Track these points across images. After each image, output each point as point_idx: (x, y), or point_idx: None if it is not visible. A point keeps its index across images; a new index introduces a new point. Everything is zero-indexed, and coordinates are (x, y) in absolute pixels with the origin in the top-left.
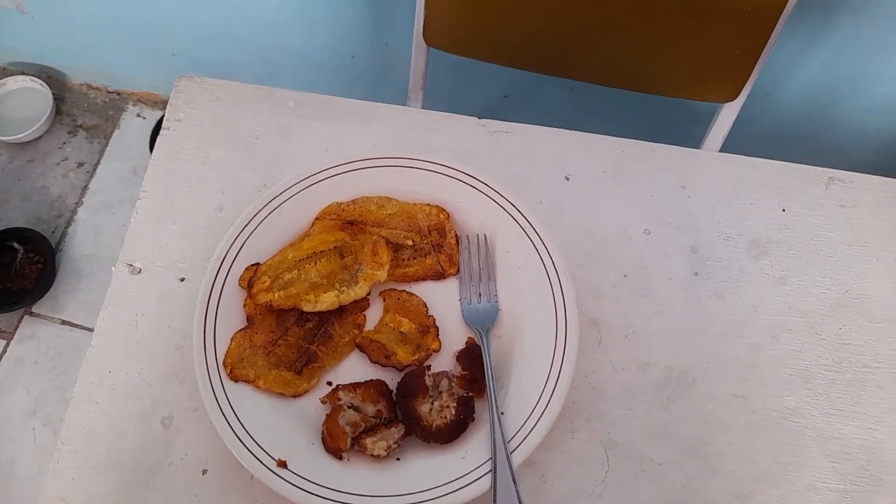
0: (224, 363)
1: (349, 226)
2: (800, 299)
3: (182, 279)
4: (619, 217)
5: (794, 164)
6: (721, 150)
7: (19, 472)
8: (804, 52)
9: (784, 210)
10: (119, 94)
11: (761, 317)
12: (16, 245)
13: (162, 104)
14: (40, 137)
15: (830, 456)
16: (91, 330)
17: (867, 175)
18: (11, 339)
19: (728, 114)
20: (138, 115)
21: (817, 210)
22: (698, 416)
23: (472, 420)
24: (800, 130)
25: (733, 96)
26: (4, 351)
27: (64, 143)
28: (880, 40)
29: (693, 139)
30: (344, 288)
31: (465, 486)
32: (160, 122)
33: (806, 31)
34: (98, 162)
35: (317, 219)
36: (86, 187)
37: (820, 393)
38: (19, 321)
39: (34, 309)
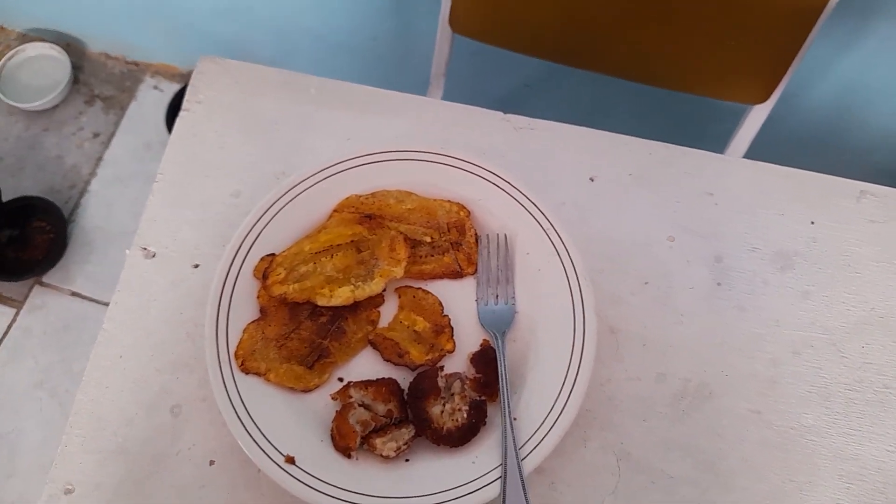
0: (236, 355)
1: (367, 220)
2: (823, 315)
3: (196, 266)
4: (643, 222)
5: (825, 176)
6: (747, 152)
7: (24, 443)
8: (838, 54)
9: (813, 223)
10: (137, 64)
11: (783, 331)
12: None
13: (179, 77)
14: (57, 106)
15: (846, 477)
16: (99, 303)
17: None
18: (21, 307)
19: (757, 116)
20: (155, 88)
21: (847, 224)
22: (713, 431)
23: (484, 424)
24: (827, 134)
25: (764, 98)
26: (14, 320)
27: (80, 113)
28: None
29: (717, 138)
30: (359, 283)
31: (474, 491)
32: (177, 95)
33: (841, 34)
34: (113, 133)
35: (335, 211)
36: (100, 158)
37: (838, 412)
38: (29, 290)
39: (45, 279)
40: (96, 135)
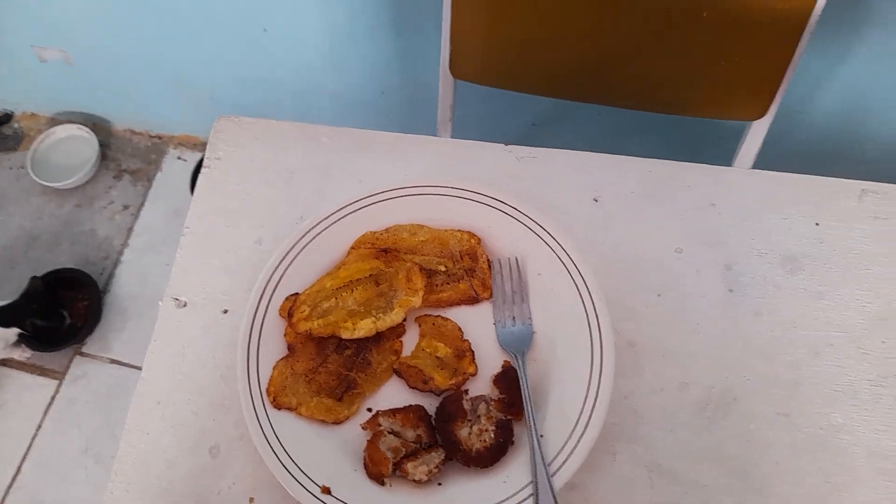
0: (267, 391)
1: (383, 254)
2: (840, 314)
3: (225, 311)
4: (650, 237)
5: (824, 178)
6: (753, 168)
7: None
8: (833, 66)
9: (817, 224)
10: (160, 137)
11: (801, 333)
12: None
13: (201, 146)
14: (87, 182)
15: (885, 474)
16: (138, 368)
17: None
18: (63, 379)
19: (757, 131)
20: (179, 158)
21: (851, 223)
22: (742, 437)
23: (512, 443)
24: (833, 146)
25: (761, 113)
26: (57, 391)
27: (110, 188)
28: None
29: (724, 158)
30: (380, 314)
31: None
32: (200, 163)
33: (834, 47)
34: (142, 204)
35: (352, 248)
36: (131, 229)
37: (867, 409)
38: (70, 361)
39: (84, 349)
40: (126, 207)
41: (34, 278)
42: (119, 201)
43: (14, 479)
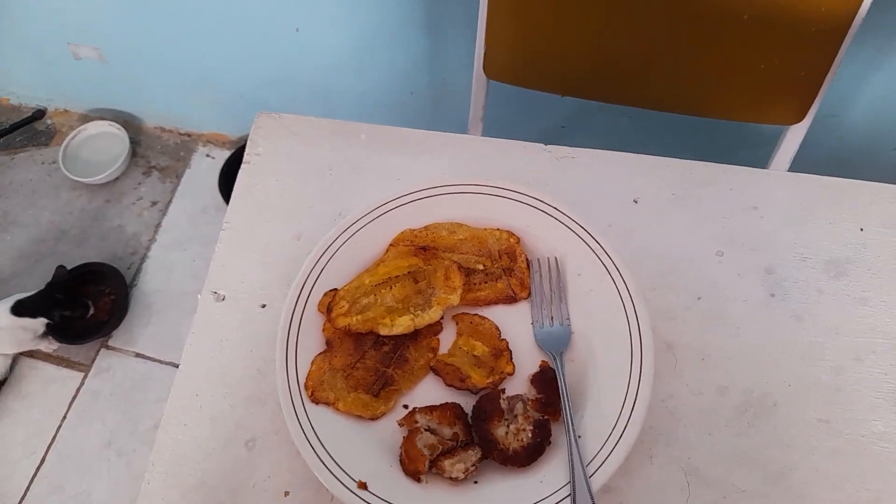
0: (306, 386)
1: (422, 251)
2: (883, 320)
3: (263, 306)
4: (690, 239)
5: (869, 182)
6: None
7: (94, 503)
8: (869, 71)
9: (862, 229)
10: (189, 135)
11: (843, 338)
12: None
13: (230, 144)
14: (117, 179)
15: None
16: (162, 362)
17: None
18: (89, 371)
19: (794, 136)
20: (207, 156)
21: None
22: (781, 441)
23: (549, 443)
24: (868, 151)
25: (799, 118)
26: (82, 384)
27: (139, 184)
28: None
29: (758, 162)
30: (418, 312)
31: None
32: (228, 161)
33: (870, 51)
34: (170, 201)
35: (391, 245)
36: (158, 225)
37: None
38: (96, 354)
39: (110, 343)
40: (154, 203)
41: (60, 267)
42: (147, 198)
43: (38, 469)
